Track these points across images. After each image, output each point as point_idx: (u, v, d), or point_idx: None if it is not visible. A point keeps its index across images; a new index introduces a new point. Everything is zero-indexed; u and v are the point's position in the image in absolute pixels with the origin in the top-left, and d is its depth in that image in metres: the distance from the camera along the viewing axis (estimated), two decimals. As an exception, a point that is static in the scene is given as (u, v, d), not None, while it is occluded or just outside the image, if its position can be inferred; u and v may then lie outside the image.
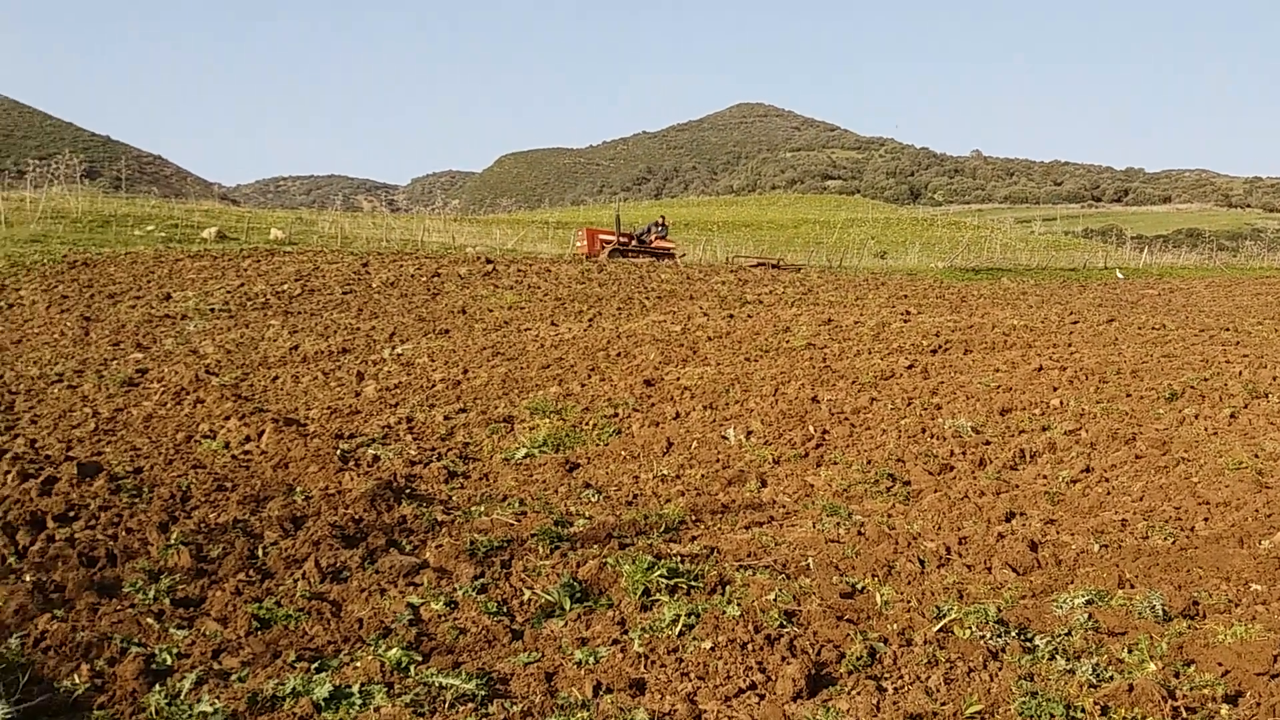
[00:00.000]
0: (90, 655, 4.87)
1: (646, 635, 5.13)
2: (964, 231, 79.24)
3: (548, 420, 11.00)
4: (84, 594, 5.68)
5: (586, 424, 10.92)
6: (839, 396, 11.70)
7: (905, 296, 27.10)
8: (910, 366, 13.37)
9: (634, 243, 38.72)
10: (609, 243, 37.87)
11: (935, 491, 8.24)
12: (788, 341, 15.95)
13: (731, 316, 19.83)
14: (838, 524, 7.42)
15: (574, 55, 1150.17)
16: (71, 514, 7.26)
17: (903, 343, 15.62)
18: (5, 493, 7.74)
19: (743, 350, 15.26)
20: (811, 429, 10.38)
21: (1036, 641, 5.04)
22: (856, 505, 8.04)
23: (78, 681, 4.60)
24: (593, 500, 8.26)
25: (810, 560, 6.47)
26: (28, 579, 5.87)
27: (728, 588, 5.85)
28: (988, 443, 9.72)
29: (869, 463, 9.18)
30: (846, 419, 10.75)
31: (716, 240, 59.46)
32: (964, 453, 9.39)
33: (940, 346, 15.30)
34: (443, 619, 5.46)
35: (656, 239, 39.29)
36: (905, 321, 18.59)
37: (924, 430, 10.17)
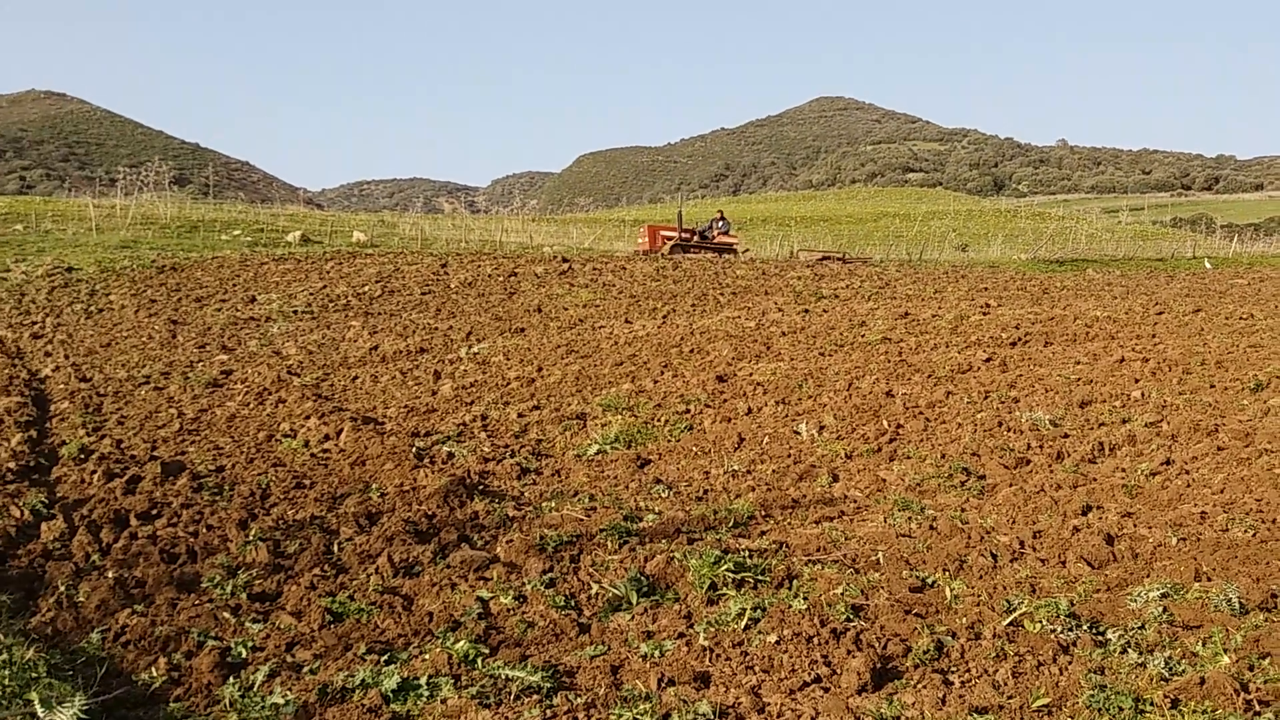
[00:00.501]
0: (168, 649, 5.02)
1: (712, 629, 5.15)
2: (1048, 223, 77.90)
3: (620, 417, 11.06)
4: (164, 589, 5.86)
5: (658, 420, 10.95)
6: (914, 390, 11.58)
7: (985, 289, 26.71)
8: (988, 359, 13.19)
9: (696, 238, 38.49)
10: (671, 238, 37.68)
11: (1010, 485, 8.13)
12: (863, 336, 15.83)
13: (806, 311, 19.73)
14: (909, 518, 7.36)
15: (652, 53, 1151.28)
16: (154, 512, 7.48)
17: (981, 335, 15.41)
18: (91, 491, 8.01)
19: (817, 345, 15.18)
20: (885, 423, 10.29)
21: (1109, 635, 4.96)
22: (929, 500, 7.96)
23: (155, 674, 4.75)
24: (663, 496, 8.29)
25: (880, 555, 6.43)
26: (110, 575, 6.06)
27: (795, 582, 5.84)
28: (1066, 436, 9.56)
29: (943, 457, 9.09)
30: (921, 413, 10.65)
31: (794, 236, 59.13)
32: (1041, 446, 9.25)
33: (1020, 339, 15.07)
34: (511, 613, 5.53)
35: (719, 234, 38.99)
36: (984, 314, 18.34)
37: (1000, 424, 10.03)
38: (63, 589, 5.85)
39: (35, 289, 23.78)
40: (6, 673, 4.39)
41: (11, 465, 8.67)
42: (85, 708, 3.97)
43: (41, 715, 3.94)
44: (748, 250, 41.81)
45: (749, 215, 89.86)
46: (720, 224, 39.74)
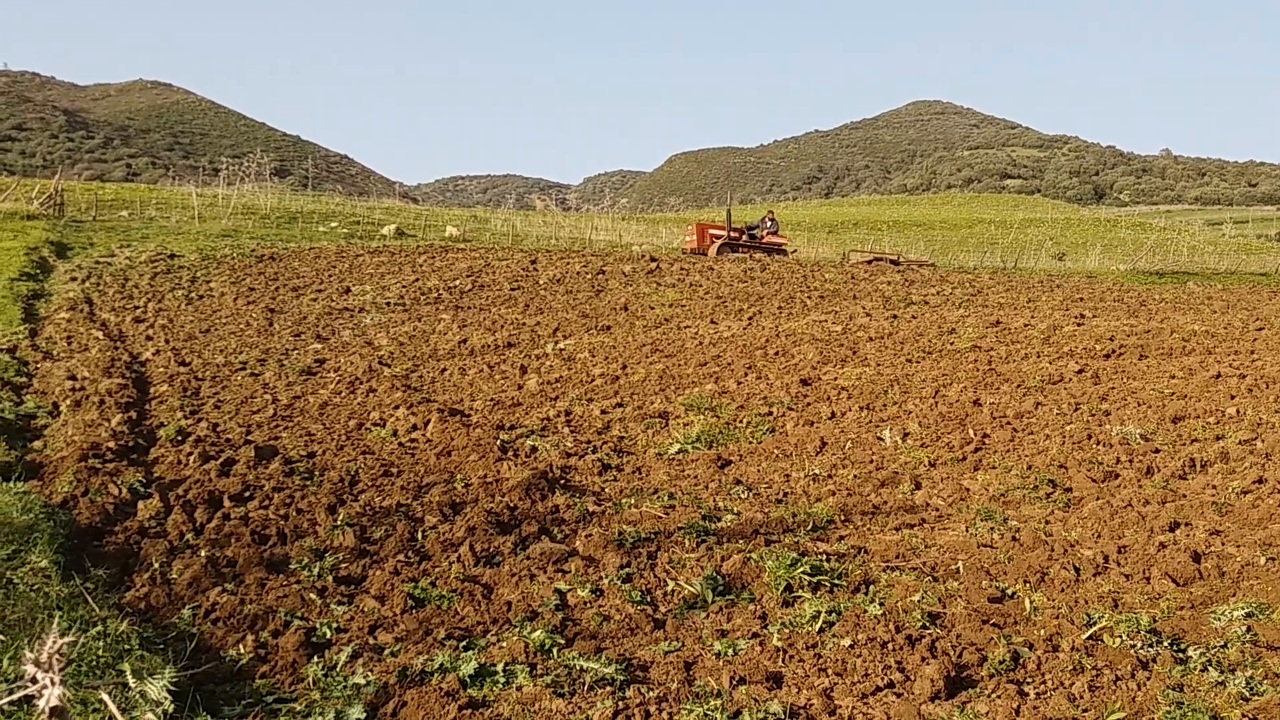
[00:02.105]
0: (256, 627, 5.18)
1: (786, 630, 5.16)
2: (1149, 233, 76.05)
3: (702, 417, 11.09)
4: (253, 569, 6.03)
5: (740, 421, 10.96)
6: (1002, 400, 11.44)
7: (1081, 299, 26.22)
8: (1080, 371, 12.97)
9: (744, 237, 38.09)
10: (719, 237, 37.35)
11: (1097, 499, 7.99)
12: (952, 343, 15.66)
13: (895, 317, 19.57)
14: (991, 529, 7.28)
15: (747, 53, 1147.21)
16: (247, 494, 7.69)
17: (1074, 346, 15.15)
18: (187, 473, 8.26)
19: (904, 351, 15.05)
20: (971, 432, 10.18)
21: (1190, 653, 4.87)
22: (1013, 510, 7.87)
23: (243, 651, 4.90)
24: (742, 497, 8.30)
25: (960, 564, 6.38)
26: (203, 554, 6.26)
27: (871, 587, 5.82)
28: (1157, 451, 9.36)
29: (1029, 468, 8.96)
30: (1009, 423, 10.51)
31: (886, 241, 58.56)
32: (1131, 460, 9.07)
33: (1114, 351, 14.79)
34: (587, 605, 5.60)
35: (768, 234, 38.55)
36: (1079, 325, 18.02)
37: (1090, 436, 9.86)
38: (157, 566, 6.06)
39: (138, 274, 24.52)
40: (101, 644, 4.57)
41: (111, 445, 8.97)
42: (175, 680, 4.12)
43: (133, 685, 4.09)
44: (796, 250, 41.38)
45: (840, 219, 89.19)
46: (769, 224, 39.31)
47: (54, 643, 1.36)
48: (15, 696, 1.40)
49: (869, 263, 35.72)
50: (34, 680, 1.43)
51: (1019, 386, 12.19)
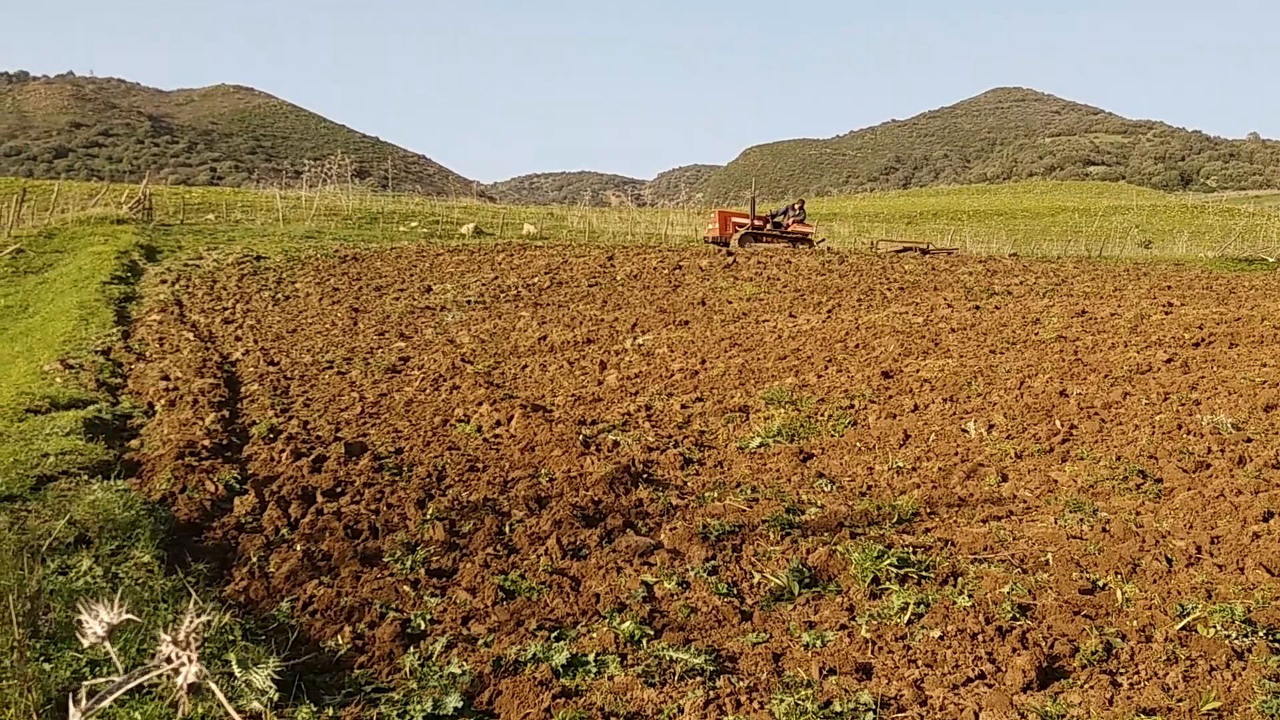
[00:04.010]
0: (352, 618, 5.30)
1: (874, 622, 5.16)
2: (1238, 219, 74.18)
3: (783, 410, 11.08)
4: (348, 562, 6.17)
5: (821, 415, 10.93)
6: (1089, 390, 11.26)
7: (1168, 287, 25.67)
8: (1169, 360, 12.71)
9: (769, 226, 37.36)
10: (742, 225, 36.70)
11: (1188, 489, 7.85)
12: (1036, 333, 15.43)
13: (977, 308, 19.33)
14: (1081, 520, 7.19)
15: (821, 45, 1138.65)
16: (339, 489, 7.86)
17: (1162, 335, 14.84)
18: (280, 469, 8.45)
19: (987, 342, 14.87)
20: (1058, 423, 10.04)
21: (1288, 644, 4.78)
22: (1102, 502, 7.76)
23: (341, 642, 5.02)
24: (825, 490, 8.29)
25: (1049, 555, 6.31)
26: (298, 548, 6.42)
27: (960, 579, 5.80)
28: (1249, 440, 9.16)
29: (1118, 459, 8.82)
30: (1096, 414, 10.35)
31: (966, 230, 57.83)
32: (1222, 450, 8.89)
33: (1203, 340, 14.47)
34: (674, 597, 5.64)
35: (793, 223, 37.80)
36: (1166, 313, 17.65)
37: (1180, 426, 9.67)
38: (254, 560, 6.23)
39: (226, 276, 25.08)
40: (206, 635, 4.72)
41: (206, 443, 9.21)
42: (278, 670, 4.25)
43: (239, 675, 4.23)
44: (823, 240, 40.69)
45: (919, 209, 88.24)
46: (795, 212, 38.51)
47: (190, 623, 1.44)
48: (154, 674, 1.48)
49: (898, 252, 35.07)
50: (170, 659, 1.50)
51: (1106, 376, 11.98)
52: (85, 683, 1.75)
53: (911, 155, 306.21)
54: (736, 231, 36.28)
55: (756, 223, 37.04)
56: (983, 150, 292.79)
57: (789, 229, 37.37)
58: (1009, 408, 10.69)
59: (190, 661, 1.46)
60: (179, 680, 1.48)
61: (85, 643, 1.50)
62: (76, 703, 1.50)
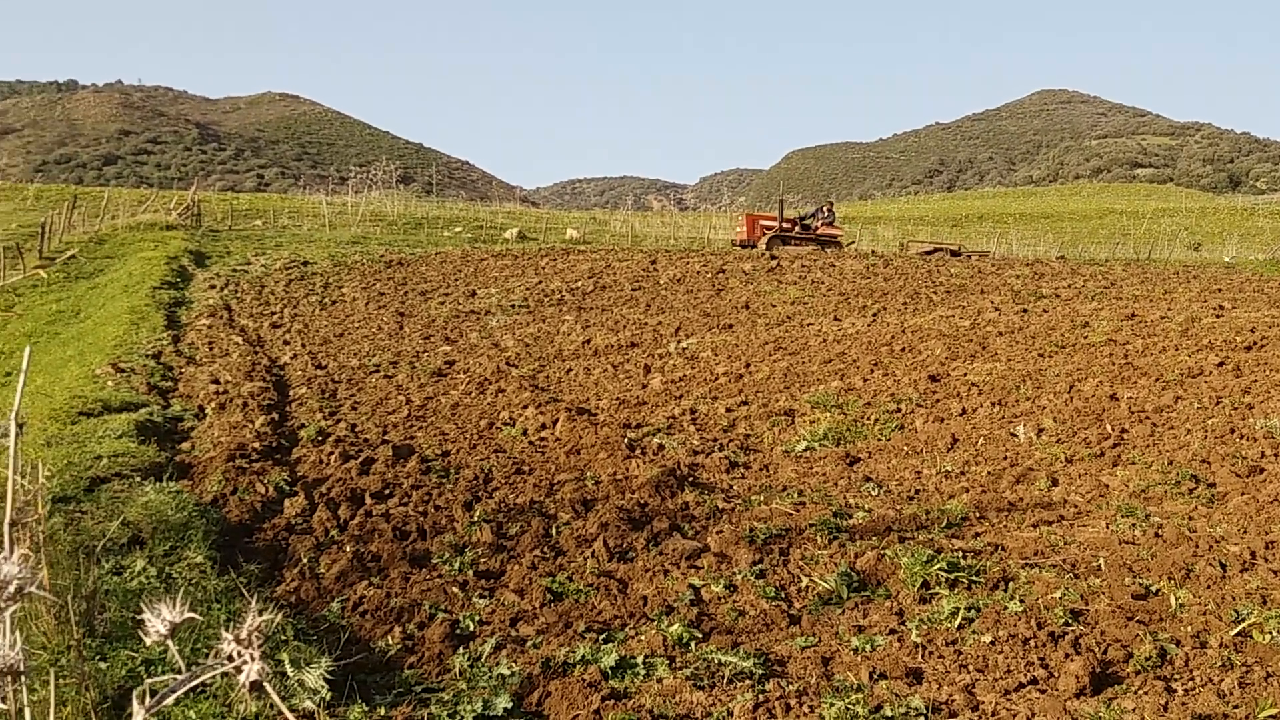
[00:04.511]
0: (402, 619, 5.33)
1: (924, 626, 5.12)
2: (1290, 220, 72.99)
3: (828, 414, 11.02)
4: (397, 564, 6.21)
5: (868, 419, 10.87)
6: (1140, 394, 11.12)
7: (1219, 290, 25.30)
8: (1220, 364, 12.53)
9: (797, 229, 36.91)
10: (770, 228, 36.27)
11: (1242, 494, 7.73)
12: (1086, 337, 15.26)
13: (1025, 311, 19.15)
14: (1133, 525, 7.10)
15: (865, 47, 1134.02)
16: (387, 492, 7.91)
17: (1213, 339, 14.63)
18: (329, 471, 8.52)
19: (1036, 346, 14.72)
20: (1109, 427, 9.93)
21: (1348, 652, 4.70)
22: (1154, 506, 7.66)
23: (391, 643, 5.05)
24: (872, 494, 8.24)
25: (1101, 560, 6.23)
26: (348, 549, 6.47)
27: (1010, 584, 5.74)
28: (1306, 445, 9.01)
29: (1170, 463, 8.70)
30: (1147, 418, 10.22)
31: (1013, 234, 57.36)
32: (1276, 454, 8.74)
33: (1255, 343, 14.24)
34: (722, 601, 5.63)
35: (822, 225, 37.31)
36: (1218, 316, 17.40)
37: (1232, 430, 9.53)
38: (305, 561, 6.28)
39: (274, 281, 25.34)
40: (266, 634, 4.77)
41: (256, 445, 9.30)
42: (330, 670, 4.28)
43: (291, 674, 4.26)
44: (853, 243, 40.25)
45: (963, 212, 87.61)
46: (825, 214, 38.06)
47: (253, 621, 1.44)
48: (216, 672, 1.49)
49: (928, 253, 34.64)
50: (233, 657, 1.51)
51: (1157, 380, 11.83)
52: (148, 680, 1.77)
53: (956, 158, 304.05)
54: (764, 234, 35.93)
55: (785, 225, 36.64)
56: (1028, 153, 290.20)
57: (818, 231, 36.94)
58: (1058, 412, 10.58)
59: (253, 660, 1.47)
60: (241, 678, 1.49)
61: (148, 641, 1.51)
62: (141, 700, 1.51)
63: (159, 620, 1.52)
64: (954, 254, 35.20)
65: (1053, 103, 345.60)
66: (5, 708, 1.52)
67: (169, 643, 1.53)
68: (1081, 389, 11.48)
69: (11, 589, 1.39)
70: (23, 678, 1.56)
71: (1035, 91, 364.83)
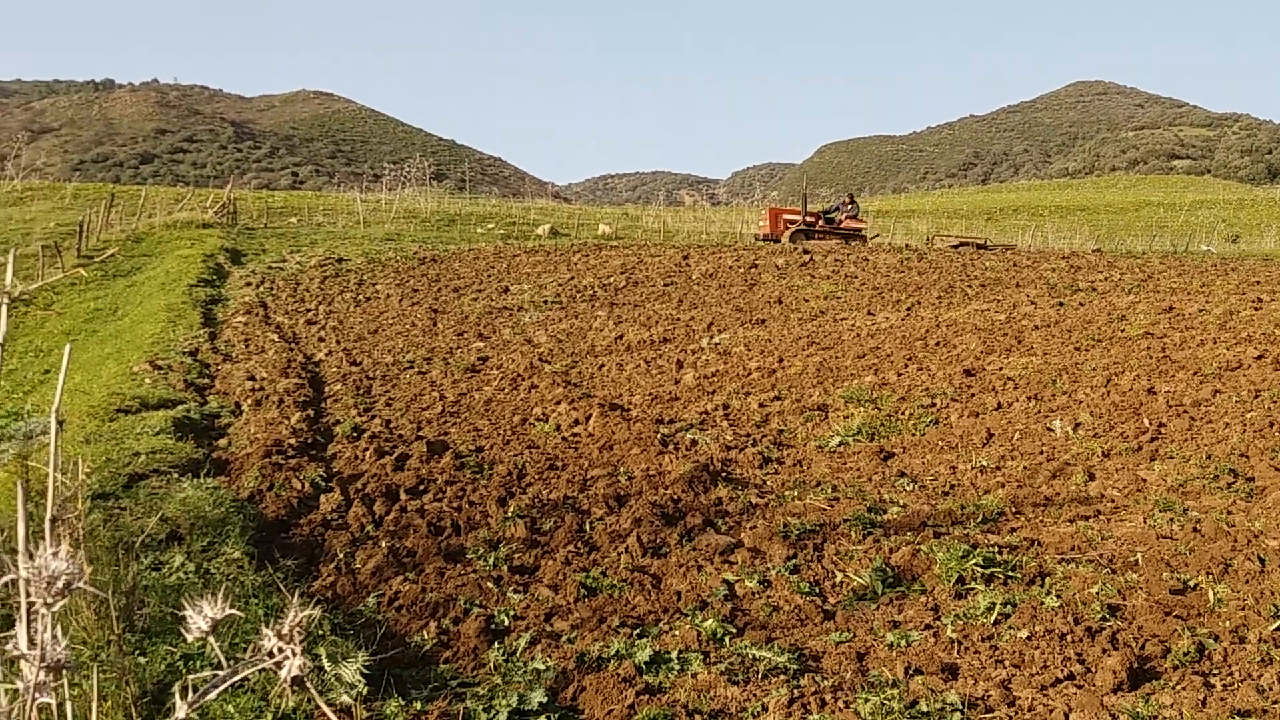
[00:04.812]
0: (437, 614, 5.36)
1: (960, 622, 5.10)
2: (1331, 211, 72.03)
3: (862, 409, 10.98)
4: (432, 559, 6.24)
5: (902, 413, 10.82)
6: (1178, 388, 11.01)
7: (1258, 283, 24.99)
8: (1260, 357, 12.38)
9: (820, 223, 36.55)
10: (793, 223, 35.93)
11: (1283, 489, 7.64)
12: (1123, 330, 15.13)
13: (1061, 304, 19.00)
14: (1171, 520, 7.03)
15: (896, 39, 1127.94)
16: (421, 487, 7.96)
17: (1252, 332, 14.46)
18: (364, 467, 8.58)
19: (1072, 339, 14.61)
20: (1146, 422, 9.84)
21: (1391, 648, 4.63)
22: (1193, 501, 7.58)
23: (426, 637, 5.08)
24: (907, 489, 8.20)
25: (1139, 555, 6.18)
26: (383, 545, 6.51)
27: (1047, 579, 5.70)
28: (1348, 439, 8.90)
29: (1208, 457, 8.62)
30: (1185, 411, 10.12)
31: (1048, 227, 56.91)
32: (1319, 449, 8.65)
33: (1296, 336, 14.08)
34: (756, 596, 5.63)
35: (846, 219, 36.92)
36: (1256, 309, 17.19)
37: (1272, 424, 9.42)
38: (341, 556, 6.33)
39: (309, 278, 25.51)
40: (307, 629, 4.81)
41: (292, 441, 9.37)
42: (366, 664, 4.31)
43: (328, 669, 4.29)
44: (876, 235, 39.85)
45: (998, 205, 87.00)
46: (848, 208, 37.68)
47: (294, 617, 1.46)
48: (258, 668, 1.51)
49: (955, 247, 34.28)
50: (273, 653, 1.52)
51: (1195, 374, 11.71)
52: (190, 676, 1.79)
53: (991, 151, 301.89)
54: (787, 229, 35.63)
55: (808, 219, 36.33)
56: (1064, 145, 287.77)
57: (841, 225, 36.61)
58: (1095, 406, 10.50)
59: (294, 655, 1.49)
60: (282, 674, 1.50)
61: (189, 638, 1.53)
62: (183, 695, 1.53)
63: (200, 617, 1.54)
64: (980, 247, 34.84)
65: (1088, 94, 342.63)
66: (49, 701, 1.55)
67: (209, 639, 1.55)
68: (1118, 383, 11.39)
69: (60, 584, 1.41)
70: (65, 672, 1.58)
71: (1071, 83, 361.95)
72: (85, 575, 1.45)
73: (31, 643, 1.55)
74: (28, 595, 1.67)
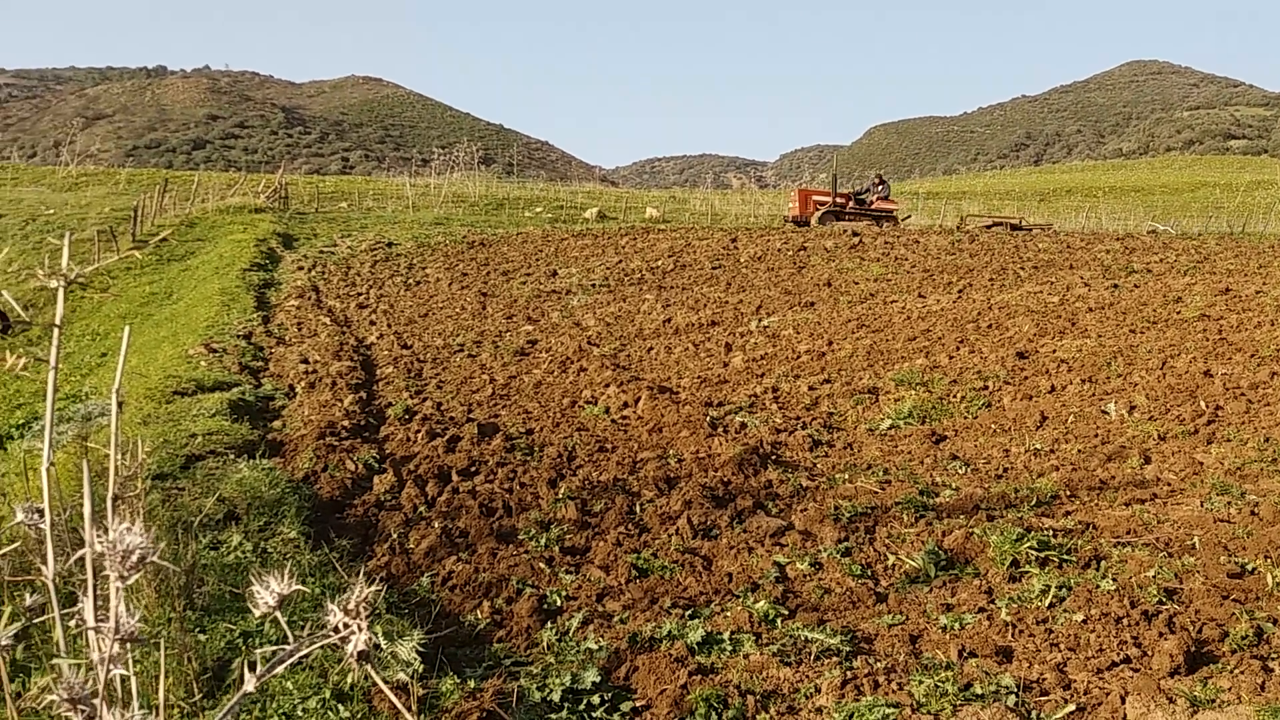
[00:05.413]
0: (490, 594, 5.41)
1: (1014, 605, 5.07)
2: (1393, 191, 70.48)
3: (913, 392, 10.91)
4: (484, 540, 6.29)
5: (954, 396, 10.74)
6: (1235, 370, 10.84)
7: (1318, 264, 24.52)
8: (1321, 339, 12.16)
9: (851, 204, 36.00)
10: (823, 204, 35.41)
11: (1345, 473, 7.51)
12: (1178, 312, 14.91)
13: (1115, 286, 18.75)
14: (1228, 503, 6.94)
15: (947, 19, 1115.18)
16: (473, 469, 8.01)
17: (1313, 313, 14.21)
18: (416, 449, 8.64)
19: (1127, 321, 14.42)
20: (1203, 404, 9.70)
21: None
22: (1250, 484, 7.47)
23: (480, 617, 5.13)
24: (959, 472, 8.15)
25: (1195, 539, 6.11)
26: (436, 525, 6.56)
27: (1102, 563, 5.65)
28: None
29: (1266, 440, 8.48)
30: (1243, 394, 9.96)
31: (1102, 208, 56.13)
32: (1381, 432, 8.48)
33: (1358, 317, 13.80)
34: (807, 578, 5.62)
35: (877, 199, 36.28)
36: (1317, 290, 16.87)
37: (1334, 407, 9.26)
38: (394, 536, 6.40)
39: (359, 263, 25.72)
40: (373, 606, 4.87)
41: (345, 423, 9.47)
42: (422, 642, 4.35)
43: (384, 647, 4.34)
44: (909, 217, 39.19)
45: (1051, 186, 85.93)
46: (880, 189, 37.06)
47: (360, 592, 1.48)
48: (324, 643, 1.53)
49: (988, 228, 33.73)
50: (338, 628, 1.54)
51: (1252, 356, 11.52)
52: (258, 650, 1.82)
53: (1043, 131, 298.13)
54: (817, 210, 35.17)
55: (839, 200, 35.83)
56: (1118, 125, 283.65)
57: (873, 206, 36.08)
58: (1151, 388, 10.36)
59: (360, 630, 1.51)
60: (349, 648, 1.52)
61: (257, 612, 1.55)
62: (251, 669, 1.56)
63: (268, 592, 1.56)
64: (1014, 228, 34.28)
65: (1143, 74, 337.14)
66: (123, 674, 1.58)
67: (277, 614, 1.58)
68: (1174, 365, 11.24)
69: (134, 558, 1.44)
70: (131, 647, 1.61)
71: (1125, 62, 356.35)
72: (159, 550, 1.48)
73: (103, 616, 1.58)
74: (102, 569, 1.70)
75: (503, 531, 6.49)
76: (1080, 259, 24.74)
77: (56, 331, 2.17)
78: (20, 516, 2.48)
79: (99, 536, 1.50)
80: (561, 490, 7.30)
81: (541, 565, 5.83)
